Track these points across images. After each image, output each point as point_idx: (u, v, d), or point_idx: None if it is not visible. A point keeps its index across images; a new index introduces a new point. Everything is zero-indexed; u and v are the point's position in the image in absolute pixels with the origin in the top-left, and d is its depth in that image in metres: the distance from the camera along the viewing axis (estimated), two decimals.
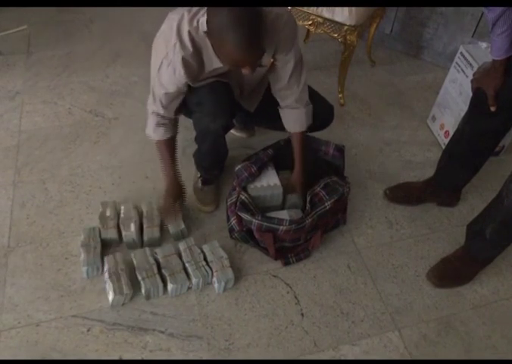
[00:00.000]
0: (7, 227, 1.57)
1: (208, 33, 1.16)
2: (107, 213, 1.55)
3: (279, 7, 1.29)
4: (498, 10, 1.11)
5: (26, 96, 2.10)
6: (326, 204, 1.45)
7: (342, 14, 1.87)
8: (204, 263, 1.43)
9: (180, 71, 1.25)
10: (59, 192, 1.69)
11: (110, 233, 1.50)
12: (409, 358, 1.32)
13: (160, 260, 1.42)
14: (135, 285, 1.38)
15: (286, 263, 1.51)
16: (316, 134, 1.64)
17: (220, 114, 1.39)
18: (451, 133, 1.63)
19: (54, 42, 2.44)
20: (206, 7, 1.19)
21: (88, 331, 1.33)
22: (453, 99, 1.88)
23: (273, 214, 1.47)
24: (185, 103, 1.40)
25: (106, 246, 1.50)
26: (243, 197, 1.45)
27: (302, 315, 1.40)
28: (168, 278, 1.38)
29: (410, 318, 1.41)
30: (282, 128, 1.59)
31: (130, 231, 1.49)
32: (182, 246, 1.47)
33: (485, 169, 1.59)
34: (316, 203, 1.46)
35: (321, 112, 1.57)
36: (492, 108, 1.32)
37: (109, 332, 1.33)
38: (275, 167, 1.58)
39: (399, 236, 1.63)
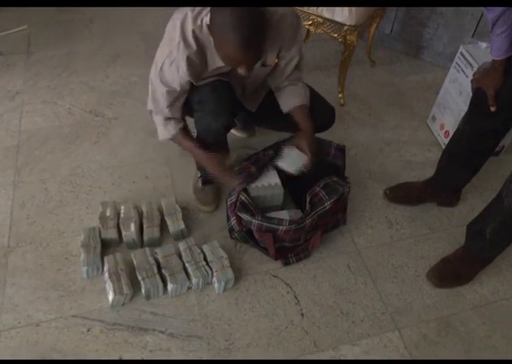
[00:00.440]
0: (7, 227, 1.57)
1: (210, 29, 1.17)
2: (107, 213, 1.55)
3: (283, 7, 1.29)
4: (498, 10, 1.11)
5: (26, 96, 2.10)
6: (326, 204, 1.45)
7: (342, 14, 1.87)
8: (204, 263, 1.43)
9: (184, 69, 1.25)
10: (59, 192, 1.69)
11: (110, 233, 1.50)
12: (409, 358, 1.32)
13: (160, 260, 1.42)
14: (135, 285, 1.38)
15: (286, 263, 1.51)
16: (317, 134, 1.64)
17: (221, 113, 1.39)
18: (451, 133, 1.64)
19: (54, 42, 2.44)
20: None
21: (88, 331, 1.33)
22: (453, 99, 1.88)
23: (272, 214, 1.47)
24: (187, 101, 1.41)
25: (106, 246, 1.50)
26: (243, 198, 1.45)
27: (302, 315, 1.40)
28: (168, 278, 1.38)
29: (410, 318, 1.41)
30: (283, 129, 1.59)
31: (130, 231, 1.49)
32: (182, 246, 1.47)
33: (485, 169, 1.59)
34: (316, 203, 1.46)
35: (322, 114, 1.57)
36: (492, 108, 1.32)
37: (109, 332, 1.33)
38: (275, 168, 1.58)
39: (399, 236, 1.63)
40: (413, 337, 1.37)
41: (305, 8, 1.94)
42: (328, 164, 1.63)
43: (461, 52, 1.81)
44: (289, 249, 1.51)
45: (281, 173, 1.54)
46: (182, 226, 1.53)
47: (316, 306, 1.42)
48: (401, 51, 2.52)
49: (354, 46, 1.98)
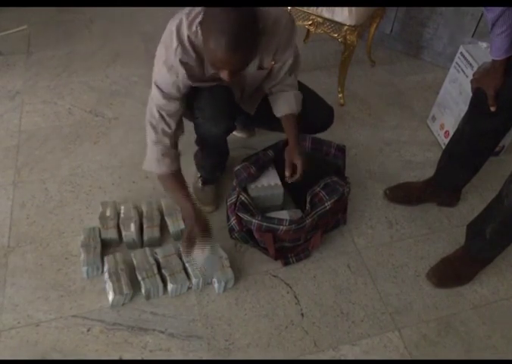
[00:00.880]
0: (7, 227, 1.57)
1: (201, 25, 1.15)
2: (107, 213, 1.55)
3: (277, 8, 1.29)
4: (498, 10, 1.11)
5: (26, 96, 2.10)
6: (326, 204, 1.45)
7: (342, 14, 1.87)
8: None
9: (183, 74, 1.24)
10: (59, 192, 1.69)
11: (110, 233, 1.50)
12: (409, 358, 1.32)
13: (160, 260, 1.42)
14: (135, 285, 1.38)
15: (286, 263, 1.51)
16: (316, 134, 1.64)
17: (221, 119, 1.39)
18: (451, 133, 1.63)
19: (54, 42, 2.44)
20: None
21: (88, 331, 1.33)
22: (453, 99, 1.88)
23: (272, 214, 1.47)
24: (187, 105, 1.40)
25: (106, 246, 1.50)
26: (243, 198, 1.45)
27: (302, 315, 1.40)
28: (168, 278, 1.38)
29: (410, 318, 1.41)
30: (281, 129, 1.59)
31: (130, 231, 1.49)
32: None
33: (485, 169, 1.59)
34: (316, 203, 1.46)
35: (320, 114, 1.57)
36: (492, 108, 1.32)
37: (109, 332, 1.33)
38: (275, 168, 1.58)
39: (399, 236, 1.63)
40: (413, 337, 1.37)
41: (305, 8, 1.94)
42: (328, 164, 1.63)
43: (461, 52, 1.81)
44: (289, 249, 1.51)
45: (281, 173, 1.55)
46: (182, 226, 1.53)
47: (316, 306, 1.42)
48: (401, 51, 2.52)
49: (354, 46, 1.98)
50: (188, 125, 1.51)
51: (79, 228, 1.55)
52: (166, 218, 1.56)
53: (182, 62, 1.22)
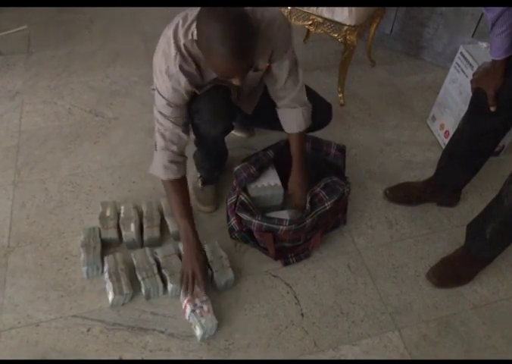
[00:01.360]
0: (7, 227, 1.57)
1: (198, 44, 1.16)
2: (107, 213, 1.55)
3: (272, 10, 1.28)
4: (498, 10, 1.11)
5: (26, 96, 2.10)
6: (326, 204, 1.45)
7: (342, 14, 1.87)
8: None
9: (185, 82, 1.24)
10: (59, 192, 1.69)
11: (110, 233, 1.50)
12: (409, 358, 1.32)
13: (160, 260, 1.42)
14: (135, 285, 1.38)
15: (286, 263, 1.51)
16: (317, 134, 1.64)
17: (219, 120, 1.39)
18: (451, 133, 1.64)
19: (54, 42, 2.44)
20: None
21: (88, 331, 1.33)
22: (453, 99, 1.88)
23: (272, 214, 1.47)
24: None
25: (106, 246, 1.50)
26: (242, 198, 1.45)
27: (302, 315, 1.40)
28: (168, 278, 1.38)
29: (410, 318, 1.41)
30: (280, 128, 1.59)
31: (130, 231, 1.49)
32: (182, 245, 1.47)
33: (485, 169, 1.59)
34: (316, 203, 1.46)
35: (319, 111, 1.57)
36: (492, 108, 1.32)
37: (109, 332, 1.33)
38: (275, 168, 1.58)
39: (399, 236, 1.63)
40: (413, 337, 1.37)
41: (305, 8, 1.94)
42: (328, 164, 1.63)
43: (461, 52, 1.81)
44: (289, 249, 1.51)
45: (281, 173, 1.55)
46: None
47: (316, 306, 1.42)
48: (401, 51, 2.52)
49: (354, 46, 1.98)
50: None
51: (79, 228, 1.55)
52: (166, 218, 1.56)
53: (182, 70, 1.22)
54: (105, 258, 1.42)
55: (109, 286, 1.36)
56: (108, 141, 1.91)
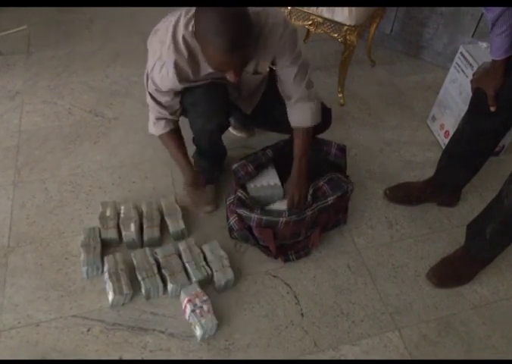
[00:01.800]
0: (7, 227, 1.57)
1: (195, 35, 1.16)
2: (107, 213, 1.55)
3: (276, 16, 1.28)
4: (498, 10, 1.11)
5: (26, 96, 2.10)
6: (329, 199, 1.44)
7: (342, 14, 1.87)
8: (204, 263, 1.43)
9: (173, 75, 1.25)
10: (59, 192, 1.69)
11: (110, 233, 1.50)
12: (409, 358, 1.32)
13: (160, 260, 1.42)
14: (135, 285, 1.38)
15: (286, 260, 1.50)
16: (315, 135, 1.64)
17: (214, 115, 1.39)
18: (451, 133, 1.63)
19: (54, 42, 2.44)
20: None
21: (88, 331, 1.33)
22: (453, 99, 1.88)
23: (272, 206, 1.47)
24: (182, 102, 1.41)
25: (106, 246, 1.50)
26: (239, 194, 1.45)
27: (302, 315, 1.40)
28: (168, 278, 1.38)
29: (410, 318, 1.41)
30: (279, 130, 1.59)
31: (130, 231, 1.49)
32: (182, 246, 1.47)
33: (485, 169, 1.59)
34: (318, 197, 1.46)
35: None
36: (492, 108, 1.32)
37: (109, 332, 1.33)
38: (275, 168, 1.58)
39: (399, 236, 1.63)
40: (413, 337, 1.37)
41: (305, 8, 1.94)
42: (329, 164, 1.63)
43: (461, 52, 1.81)
44: (289, 247, 1.51)
45: (281, 173, 1.55)
46: (182, 226, 1.53)
47: (316, 306, 1.42)
48: (401, 51, 2.52)
49: (354, 46, 1.98)
50: (187, 125, 1.52)
51: (79, 228, 1.55)
52: (166, 218, 1.56)
53: (173, 62, 1.23)
54: (105, 258, 1.42)
55: (109, 286, 1.36)
56: (108, 141, 1.91)
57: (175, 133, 1.49)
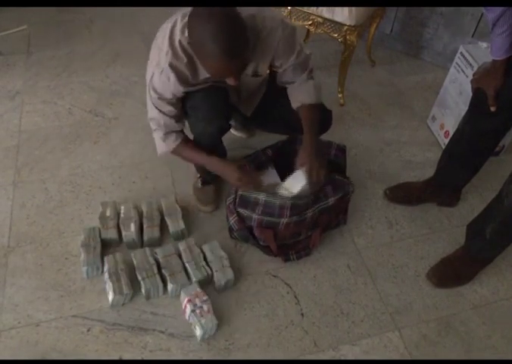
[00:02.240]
0: (7, 227, 1.57)
1: (190, 44, 1.16)
2: (107, 213, 1.55)
3: (273, 18, 1.28)
4: (498, 10, 1.11)
5: (26, 96, 2.10)
6: (330, 200, 1.44)
7: (342, 14, 1.87)
8: (204, 263, 1.43)
9: (174, 79, 1.25)
10: (59, 192, 1.69)
11: (110, 233, 1.50)
12: (409, 358, 1.32)
13: (160, 260, 1.42)
14: (135, 285, 1.38)
15: (286, 260, 1.50)
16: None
17: (214, 119, 1.39)
18: (451, 133, 1.64)
19: (54, 42, 2.44)
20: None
21: (88, 331, 1.33)
22: (453, 99, 1.88)
23: (286, 184, 1.41)
24: (182, 106, 1.40)
25: (106, 246, 1.50)
26: (240, 193, 1.45)
27: (302, 315, 1.40)
28: (168, 278, 1.38)
29: (410, 318, 1.41)
30: (279, 130, 1.59)
31: (130, 231, 1.49)
32: (182, 246, 1.47)
33: (485, 169, 1.59)
34: (320, 197, 1.46)
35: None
36: (492, 108, 1.32)
37: (109, 332, 1.33)
38: (275, 168, 1.58)
39: (399, 236, 1.63)
40: (413, 337, 1.37)
41: (305, 8, 1.94)
42: (330, 163, 1.62)
43: (461, 52, 1.81)
44: (290, 246, 1.51)
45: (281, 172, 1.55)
46: (182, 226, 1.53)
47: (316, 306, 1.42)
48: (401, 51, 2.52)
49: (354, 46, 1.98)
50: (187, 129, 1.52)
51: (79, 228, 1.55)
52: (166, 218, 1.56)
53: (171, 66, 1.23)
54: (105, 258, 1.42)
55: (109, 286, 1.36)
56: (108, 141, 1.91)
57: (187, 140, 1.45)
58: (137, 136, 1.93)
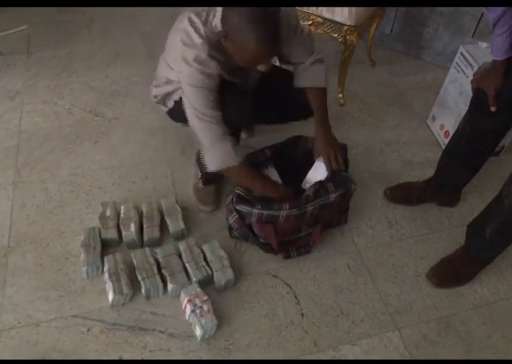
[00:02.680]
0: (7, 227, 1.57)
1: (225, 34, 1.18)
2: (107, 213, 1.55)
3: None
4: (499, 10, 1.11)
5: (26, 96, 2.10)
6: (331, 196, 1.44)
7: (342, 14, 1.87)
8: (204, 263, 1.43)
9: (215, 65, 1.26)
10: (59, 192, 1.69)
11: (110, 233, 1.50)
12: (409, 358, 1.32)
13: (160, 260, 1.42)
14: (135, 285, 1.38)
15: (287, 256, 1.51)
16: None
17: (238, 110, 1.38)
18: (451, 133, 1.64)
19: (54, 42, 2.44)
20: (214, 9, 1.22)
21: (88, 331, 1.33)
22: (453, 99, 1.88)
23: (310, 176, 1.50)
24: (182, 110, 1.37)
25: (106, 246, 1.50)
26: (238, 191, 1.45)
27: (302, 315, 1.40)
28: (168, 278, 1.38)
29: (410, 318, 1.41)
30: (284, 119, 1.63)
31: (130, 231, 1.49)
32: (182, 246, 1.47)
33: (485, 169, 1.59)
34: (321, 193, 1.45)
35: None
36: (492, 108, 1.32)
37: (109, 332, 1.33)
38: (275, 168, 1.58)
39: (399, 236, 1.63)
40: (413, 337, 1.37)
41: (305, 8, 1.94)
42: None
43: (461, 52, 1.81)
44: (290, 243, 1.51)
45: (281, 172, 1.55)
46: (182, 226, 1.53)
47: (316, 306, 1.42)
48: (401, 51, 2.52)
49: (354, 46, 1.98)
50: (185, 129, 1.51)
51: (79, 228, 1.55)
52: (166, 218, 1.56)
53: (210, 55, 1.24)
54: (105, 258, 1.42)
55: (109, 286, 1.36)
56: (108, 141, 1.91)
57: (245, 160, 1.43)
58: (137, 136, 1.93)
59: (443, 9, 2.25)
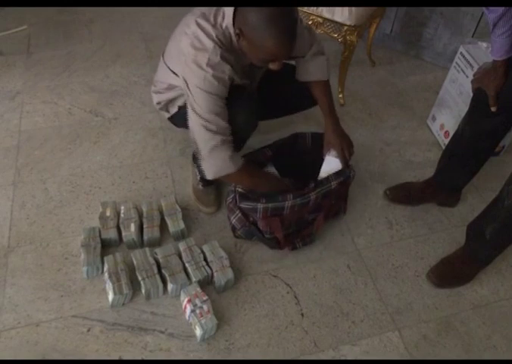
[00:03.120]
0: (7, 227, 1.57)
1: (240, 33, 1.18)
2: (107, 213, 1.55)
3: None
4: (499, 10, 1.11)
5: (26, 96, 2.10)
6: (332, 183, 1.45)
7: (342, 14, 1.87)
8: (204, 263, 1.43)
9: (229, 69, 1.25)
10: (59, 192, 1.69)
11: (110, 233, 1.50)
12: (409, 358, 1.32)
13: (160, 260, 1.42)
14: (135, 285, 1.38)
15: (293, 248, 1.51)
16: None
17: (250, 124, 1.42)
18: (451, 133, 1.64)
19: (54, 42, 2.44)
20: (222, 10, 1.22)
21: (88, 331, 1.33)
22: (453, 99, 1.88)
23: (325, 169, 1.51)
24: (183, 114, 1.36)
25: (106, 246, 1.50)
26: (239, 189, 1.45)
27: (302, 315, 1.40)
28: (168, 278, 1.38)
29: (410, 318, 1.41)
30: (289, 111, 1.65)
31: (130, 231, 1.49)
32: (182, 246, 1.47)
33: (485, 169, 1.59)
34: (321, 181, 1.46)
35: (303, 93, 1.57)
36: (493, 109, 1.32)
37: (109, 332, 1.33)
38: (274, 167, 1.58)
39: (399, 236, 1.63)
40: (413, 337, 1.37)
41: (305, 8, 1.94)
42: None
43: (461, 52, 1.81)
44: (295, 235, 1.51)
45: (281, 171, 1.55)
46: (182, 226, 1.53)
47: (316, 306, 1.42)
48: (401, 51, 2.52)
49: (354, 46, 1.98)
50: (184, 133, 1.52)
51: (79, 228, 1.55)
52: (166, 218, 1.56)
53: (223, 58, 1.24)
54: (105, 258, 1.42)
55: (109, 286, 1.36)
56: (108, 141, 1.91)
57: (250, 165, 1.41)
58: (137, 136, 1.93)
59: (443, 9, 2.25)
